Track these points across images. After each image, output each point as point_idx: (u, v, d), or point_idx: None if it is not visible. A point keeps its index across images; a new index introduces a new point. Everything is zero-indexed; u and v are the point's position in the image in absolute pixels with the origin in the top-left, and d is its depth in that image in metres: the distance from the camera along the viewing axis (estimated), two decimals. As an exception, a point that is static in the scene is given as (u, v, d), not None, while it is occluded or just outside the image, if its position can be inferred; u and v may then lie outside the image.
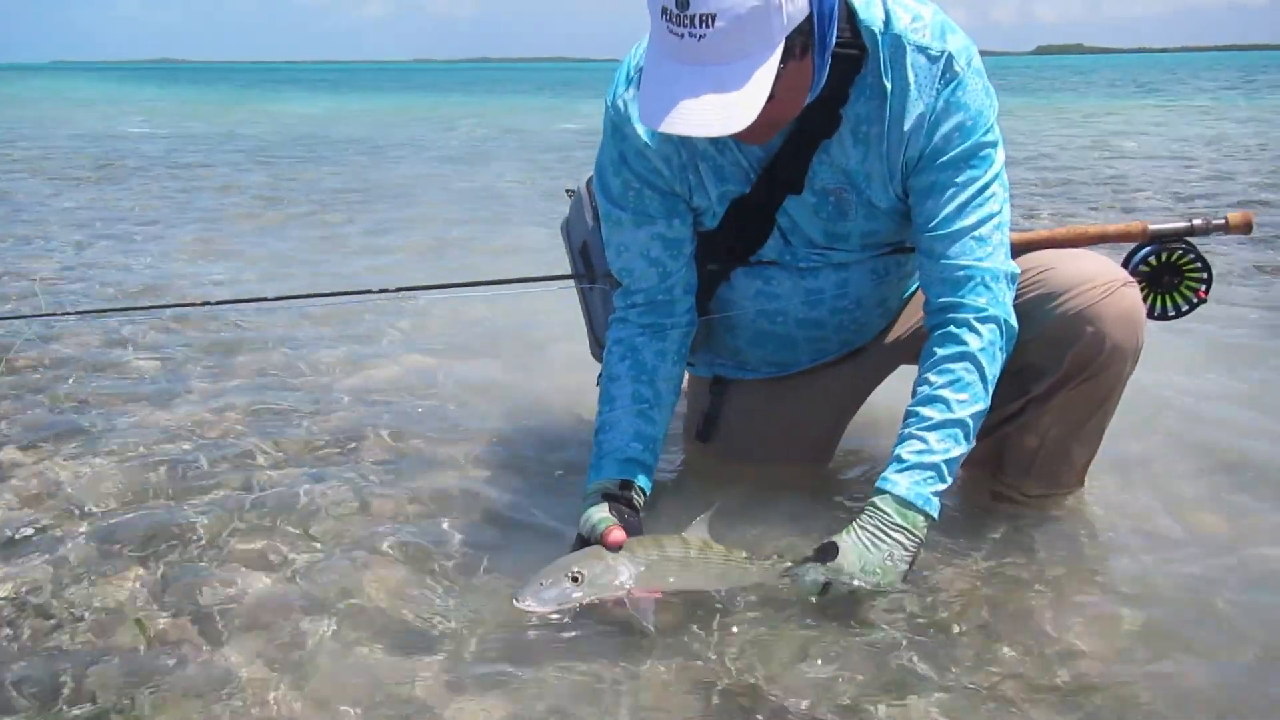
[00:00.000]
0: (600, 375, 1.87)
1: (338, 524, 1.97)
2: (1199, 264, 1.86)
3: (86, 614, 1.66)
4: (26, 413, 2.58)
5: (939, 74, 1.58)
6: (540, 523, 1.97)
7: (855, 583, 1.53)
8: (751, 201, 1.76)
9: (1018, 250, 1.78)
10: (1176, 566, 1.77)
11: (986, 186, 1.62)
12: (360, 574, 1.77)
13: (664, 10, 1.38)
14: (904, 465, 1.58)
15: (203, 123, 15.42)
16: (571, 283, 2.15)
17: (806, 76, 1.49)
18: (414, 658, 1.51)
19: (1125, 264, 1.88)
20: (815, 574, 1.54)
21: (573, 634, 1.55)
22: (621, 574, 1.49)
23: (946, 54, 1.58)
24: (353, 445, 2.37)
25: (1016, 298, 1.69)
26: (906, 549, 1.56)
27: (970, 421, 1.59)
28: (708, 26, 1.36)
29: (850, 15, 1.58)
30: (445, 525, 1.96)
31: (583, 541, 1.61)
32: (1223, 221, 1.83)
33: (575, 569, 1.48)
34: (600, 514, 1.61)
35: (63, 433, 2.43)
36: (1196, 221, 1.85)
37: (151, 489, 2.13)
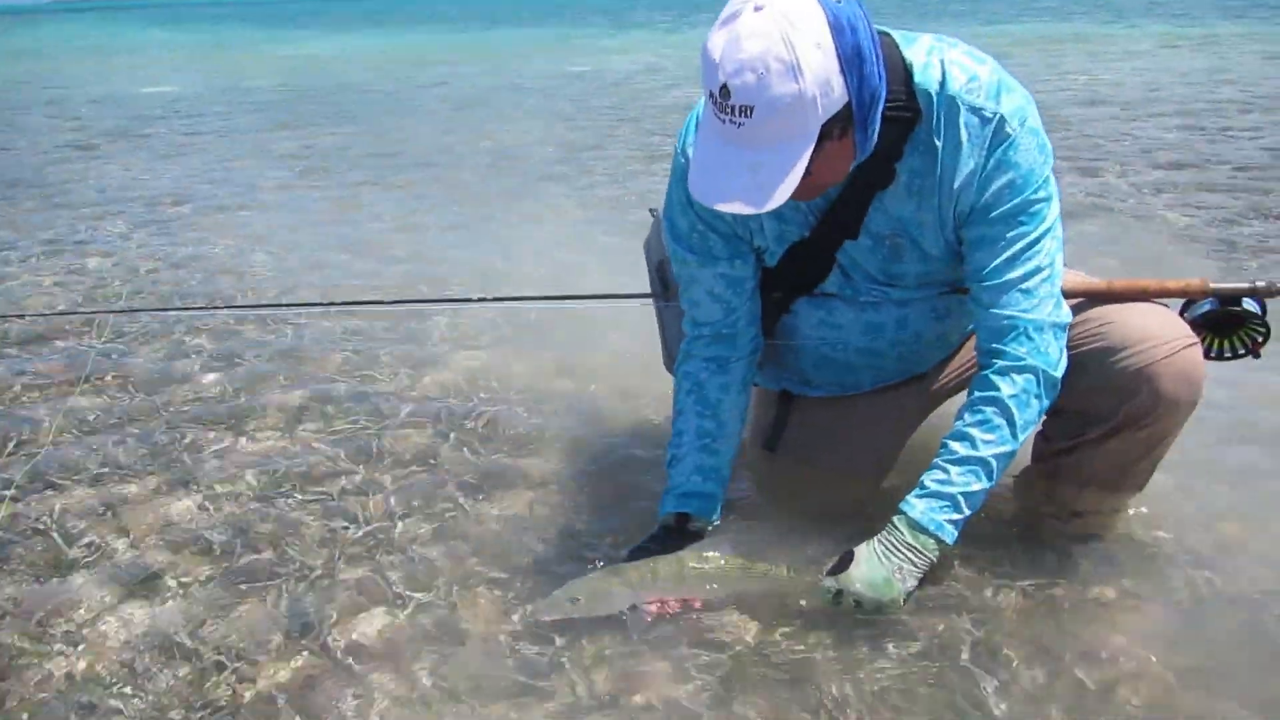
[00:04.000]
0: (674, 394, 2.03)
1: (433, 555, 2.13)
2: (1259, 321, 1.91)
3: (225, 659, 1.84)
4: (121, 443, 2.72)
5: (991, 134, 1.67)
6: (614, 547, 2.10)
7: (858, 588, 1.70)
8: (810, 244, 1.87)
9: (1080, 299, 1.88)
10: (1224, 585, 1.90)
11: (1036, 241, 1.71)
12: (463, 610, 1.94)
13: (710, 94, 1.50)
14: (924, 492, 1.74)
15: (221, 75, 15.29)
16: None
17: (847, 153, 1.59)
18: (518, 697, 1.70)
19: (1183, 311, 1.95)
20: (829, 583, 1.73)
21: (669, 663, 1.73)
22: (614, 596, 1.77)
23: (999, 115, 1.66)
24: (430, 466, 2.52)
25: (1078, 347, 1.81)
26: (914, 567, 1.71)
27: (993, 461, 1.73)
28: (746, 116, 1.47)
29: (907, 78, 1.66)
30: (529, 557, 2.11)
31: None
32: None
33: (574, 594, 1.78)
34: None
35: (159, 464, 2.59)
36: (1260, 283, 1.89)
37: (253, 525, 2.28)
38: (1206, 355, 1.91)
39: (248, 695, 1.74)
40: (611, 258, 3.86)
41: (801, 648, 1.75)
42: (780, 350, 2.09)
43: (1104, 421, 1.89)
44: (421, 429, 2.73)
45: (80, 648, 1.88)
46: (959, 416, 1.77)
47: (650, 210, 2.31)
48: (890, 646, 1.74)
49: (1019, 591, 1.91)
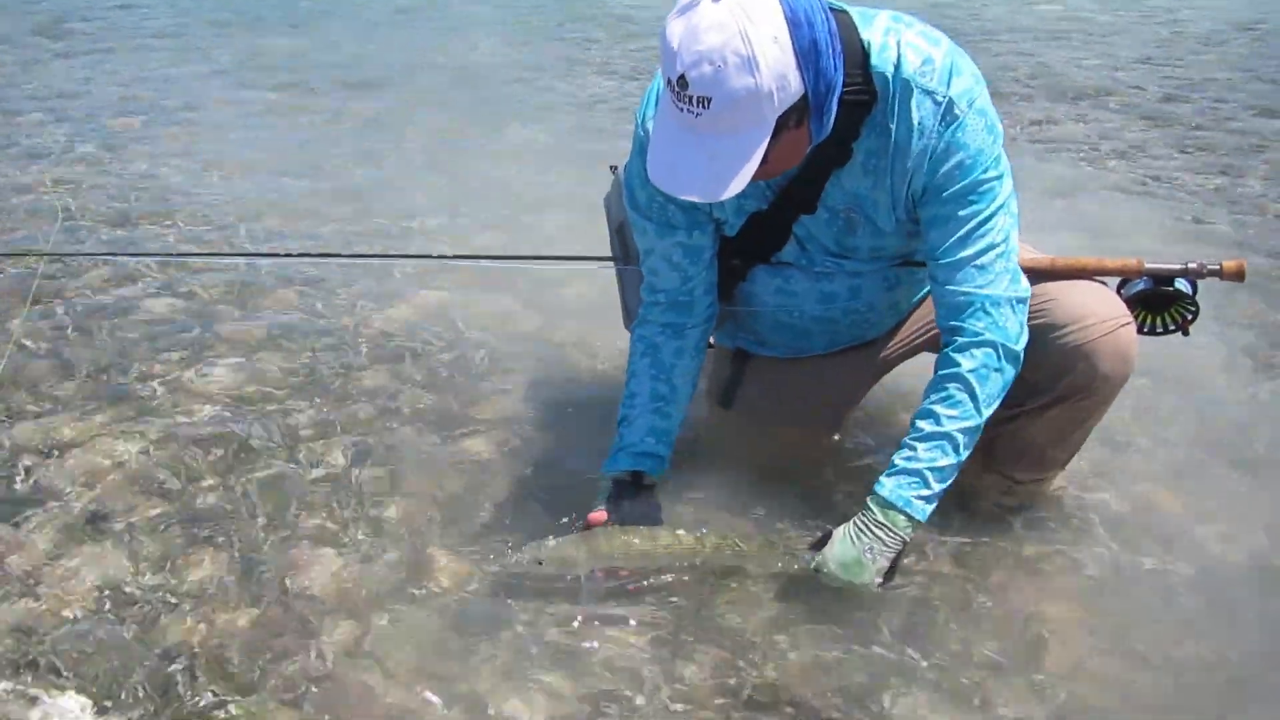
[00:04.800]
0: (629, 355, 2.06)
1: (388, 497, 2.17)
2: (1190, 301, 1.99)
3: (178, 601, 1.87)
4: (70, 374, 2.70)
5: (941, 116, 1.70)
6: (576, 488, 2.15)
7: (832, 568, 1.78)
8: (768, 216, 1.90)
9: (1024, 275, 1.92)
10: (1142, 556, 2.02)
11: (989, 219, 1.75)
12: (419, 554, 1.99)
13: (669, 81, 1.52)
14: (893, 470, 1.80)
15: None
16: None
17: (803, 141, 1.63)
18: (473, 638, 1.79)
19: (1119, 288, 2.02)
20: (807, 558, 1.82)
21: (618, 624, 1.80)
22: (578, 563, 1.82)
23: (949, 98, 1.69)
24: (389, 407, 2.54)
25: None
26: (885, 546, 1.78)
27: (959, 435, 1.79)
28: (704, 107, 1.49)
29: (864, 59, 1.68)
30: (485, 496, 2.18)
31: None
32: (1217, 268, 1.94)
33: (540, 557, 1.82)
34: (601, 499, 1.91)
35: (110, 399, 2.57)
36: (1191, 265, 1.96)
37: (208, 466, 2.30)
38: (1140, 331, 1.99)
39: (201, 645, 1.77)
40: (575, 202, 3.84)
41: (738, 613, 1.83)
42: (736, 313, 2.13)
43: (1044, 393, 1.96)
44: (379, 369, 2.74)
45: (31, 593, 1.90)
46: (925, 395, 1.83)
47: (611, 167, 2.30)
48: (821, 604, 1.83)
49: (952, 548, 2.01)
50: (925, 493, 1.78)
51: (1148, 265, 1.97)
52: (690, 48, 1.46)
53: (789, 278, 2.00)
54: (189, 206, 4.08)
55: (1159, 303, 2.00)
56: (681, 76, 1.48)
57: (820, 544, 1.82)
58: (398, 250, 3.54)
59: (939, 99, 1.68)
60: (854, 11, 1.71)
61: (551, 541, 1.85)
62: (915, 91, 1.68)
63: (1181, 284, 1.99)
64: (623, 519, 1.89)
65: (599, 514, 1.89)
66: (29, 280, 3.20)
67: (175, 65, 7.13)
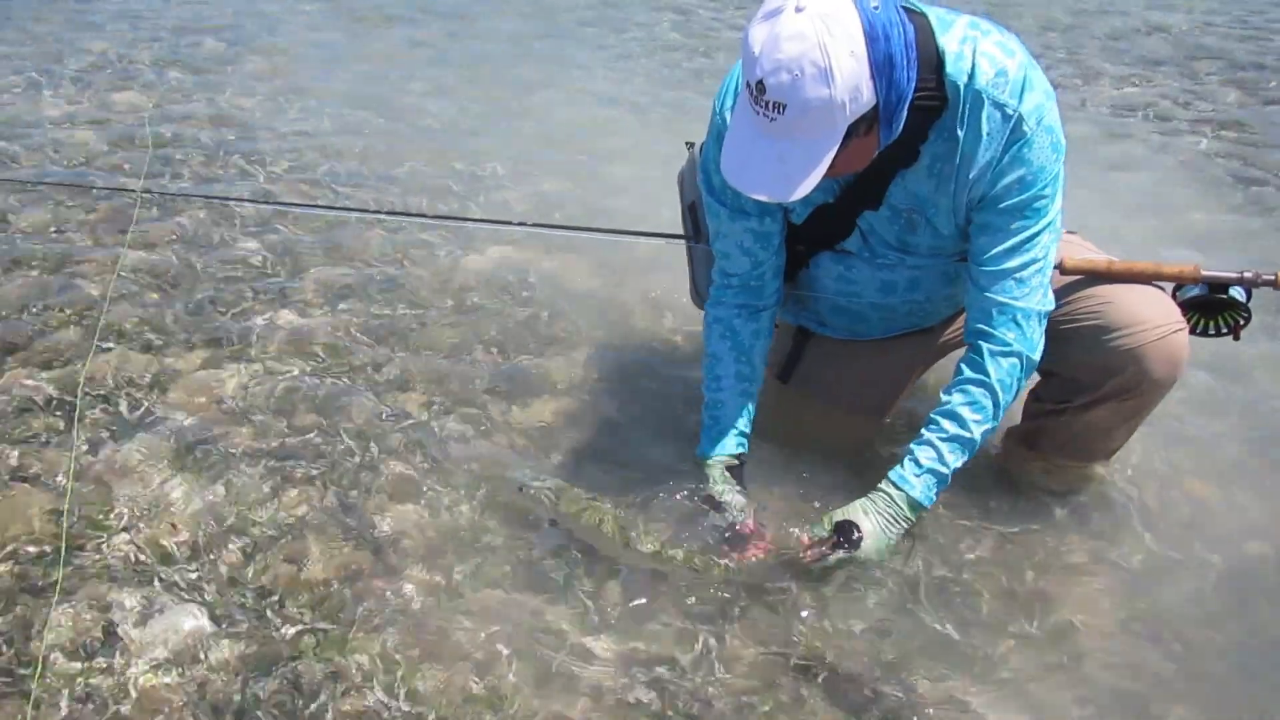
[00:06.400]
0: (704, 336, 2.16)
1: (466, 455, 2.32)
2: (1243, 308, 2.03)
3: (276, 534, 2.06)
4: (169, 308, 2.89)
5: (1010, 130, 1.76)
6: (650, 461, 2.30)
7: (871, 558, 1.89)
8: (834, 209, 2.00)
9: (1080, 276, 2.01)
10: (1180, 548, 2.11)
11: (1036, 235, 1.83)
12: (492, 506, 2.15)
13: (748, 84, 1.61)
14: (920, 469, 1.90)
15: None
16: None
17: (871, 146, 1.71)
18: (541, 595, 1.94)
19: (1175, 291, 2.06)
20: (840, 555, 1.87)
21: (676, 589, 1.94)
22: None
23: (1019, 114, 1.75)
24: (466, 362, 2.69)
25: (1078, 321, 1.97)
26: (904, 529, 1.92)
27: (979, 439, 1.90)
28: (779, 113, 1.58)
29: (939, 65, 1.74)
30: (556, 461, 2.32)
31: (714, 501, 2.00)
32: (1272, 278, 1.97)
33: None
34: (732, 495, 2.00)
35: (207, 336, 2.76)
36: (1247, 273, 1.99)
37: (299, 407, 2.47)
38: (1192, 332, 2.04)
39: (293, 575, 1.96)
40: (647, 157, 3.91)
41: (787, 590, 1.95)
42: (800, 293, 2.23)
43: (1091, 390, 2.04)
44: (456, 324, 2.88)
45: (141, 517, 2.10)
46: (947, 392, 1.93)
47: (688, 144, 2.38)
48: (863, 587, 1.96)
49: (993, 536, 2.12)
50: (942, 489, 1.92)
51: (1204, 272, 2.01)
52: (770, 55, 1.55)
53: (850, 265, 2.08)
54: (274, 142, 4.23)
55: (1213, 308, 2.05)
56: (760, 82, 1.57)
57: (846, 538, 1.88)
58: (471, 198, 3.67)
59: (1009, 113, 1.74)
60: (933, 16, 1.76)
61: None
62: (987, 103, 1.74)
63: (1236, 291, 2.03)
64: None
65: (749, 525, 1.97)
66: (127, 211, 3.38)
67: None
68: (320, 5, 6.75)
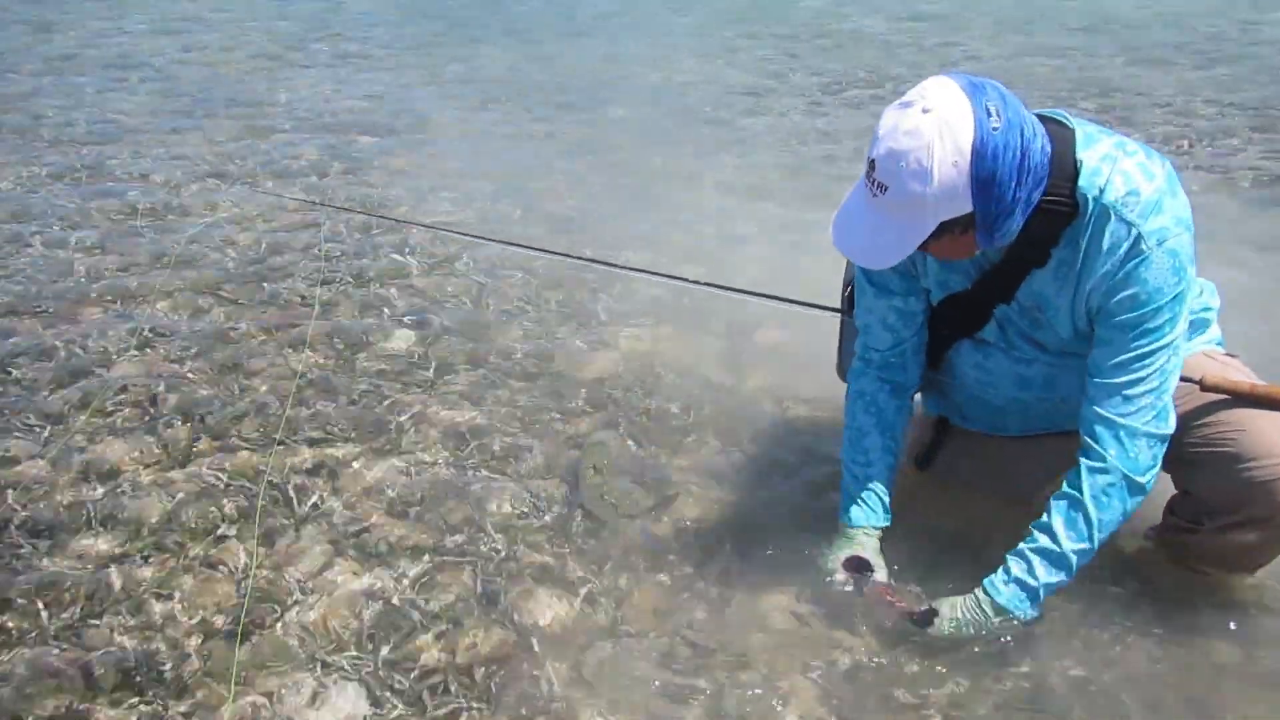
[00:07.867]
0: (847, 408, 2.26)
1: (602, 547, 2.45)
2: None
3: (431, 625, 2.21)
4: (332, 402, 3.14)
5: (1129, 247, 1.80)
6: (776, 553, 2.37)
7: (946, 634, 2.01)
8: (968, 297, 2.08)
9: (1219, 396, 1.99)
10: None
11: (1150, 355, 1.85)
12: (635, 598, 2.27)
13: (868, 158, 1.76)
14: (1009, 578, 1.97)
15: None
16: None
17: (968, 245, 1.83)
18: (679, 678, 2.04)
19: None
20: (909, 625, 2.03)
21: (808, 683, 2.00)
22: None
23: (1139, 233, 1.79)
24: (601, 454, 2.83)
25: (1211, 446, 1.97)
26: (985, 632, 1.99)
27: (1073, 557, 1.93)
28: (881, 191, 1.74)
29: (1074, 176, 1.81)
30: (686, 544, 2.42)
31: (865, 562, 2.14)
32: None
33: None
34: (879, 559, 2.15)
35: (365, 428, 2.98)
36: None
37: (447, 497, 2.65)
38: None
39: (448, 661, 2.11)
40: (774, 240, 4.02)
41: (913, 666, 2.03)
42: (941, 381, 2.31)
43: (1224, 515, 2.02)
44: (591, 416, 3.04)
45: (310, 599, 2.28)
46: (1049, 502, 1.97)
47: None
48: (992, 670, 2.00)
49: (1128, 633, 2.11)
50: (1034, 602, 1.96)
51: None
52: (887, 140, 1.70)
53: (989, 355, 2.15)
54: (424, 234, 4.53)
55: None
56: (873, 160, 1.73)
57: (925, 621, 2.02)
58: (604, 289, 3.86)
59: (1132, 230, 1.80)
60: (1081, 132, 1.85)
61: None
62: (1112, 218, 1.80)
63: None
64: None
65: (884, 587, 2.10)
66: (301, 321, 3.68)
67: (402, 81, 7.77)
68: (459, 99, 7.20)
